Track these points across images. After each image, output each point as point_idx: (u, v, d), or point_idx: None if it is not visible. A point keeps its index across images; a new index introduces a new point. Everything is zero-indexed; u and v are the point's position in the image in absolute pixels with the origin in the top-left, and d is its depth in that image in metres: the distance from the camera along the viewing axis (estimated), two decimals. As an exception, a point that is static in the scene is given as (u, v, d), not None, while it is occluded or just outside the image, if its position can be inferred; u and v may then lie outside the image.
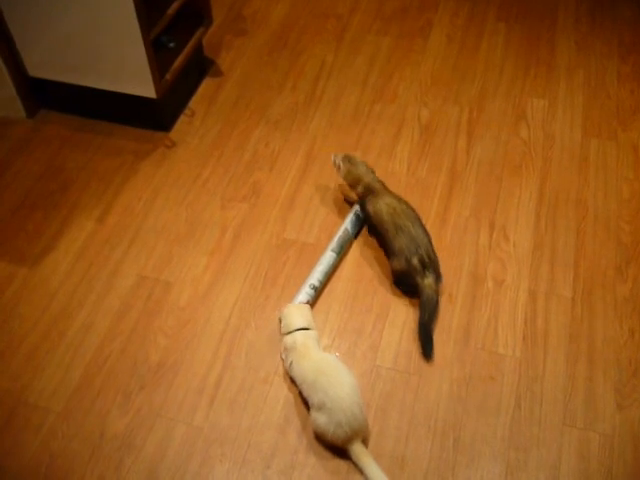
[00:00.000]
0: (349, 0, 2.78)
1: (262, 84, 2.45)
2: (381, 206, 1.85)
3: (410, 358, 1.72)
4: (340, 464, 1.54)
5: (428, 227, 1.98)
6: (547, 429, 1.60)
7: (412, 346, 1.74)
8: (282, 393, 1.66)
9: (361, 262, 1.92)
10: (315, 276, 1.83)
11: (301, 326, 1.67)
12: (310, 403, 1.58)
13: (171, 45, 2.15)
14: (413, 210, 1.86)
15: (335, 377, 1.56)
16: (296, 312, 1.70)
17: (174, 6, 2.14)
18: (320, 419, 1.53)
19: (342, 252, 1.91)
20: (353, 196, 1.99)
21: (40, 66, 2.19)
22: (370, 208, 1.89)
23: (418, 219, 1.84)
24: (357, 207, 1.97)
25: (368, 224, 1.97)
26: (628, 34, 2.62)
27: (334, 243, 1.90)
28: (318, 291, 1.83)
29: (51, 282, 1.89)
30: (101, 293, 1.86)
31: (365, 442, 1.56)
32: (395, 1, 2.78)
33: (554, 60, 2.52)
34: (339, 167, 1.97)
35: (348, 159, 1.96)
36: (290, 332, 1.67)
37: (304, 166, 2.17)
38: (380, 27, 2.66)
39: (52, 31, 2.05)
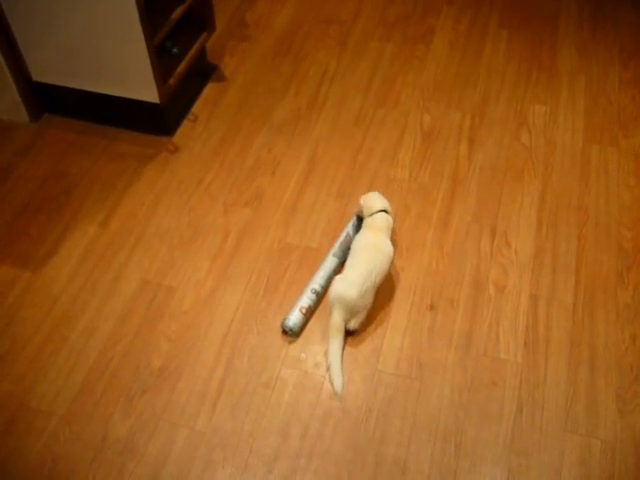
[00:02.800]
0: (352, 6, 2.79)
1: (265, 89, 2.46)
2: None
3: (412, 363, 1.73)
4: (342, 469, 1.55)
5: (430, 233, 1.99)
6: (549, 435, 1.60)
7: (414, 351, 1.75)
8: (284, 398, 1.67)
9: (363, 267, 1.93)
10: (317, 281, 1.84)
11: (381, 208, 1.86)
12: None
13: (174, 50, 2.16)
14: None
15: (368, 261, 1.75)
16: (377, 197, 1.90)
17: (178, 12, 2.15)
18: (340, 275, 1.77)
19: (344, 257, 1.91)
20: None
21: (44, 71, 2.20)
22: None
23: None
24: (359, 212, 1.98)
25: None
26: (629, 40, 2.63)
27: (336, 248, 1.90)
28: (320, 296, 1.83)
29: (54, 286, 1.89)
30: (104, 297, 1.87)
31: (351, 334, 1.75)
32: (398, 7, 2.79)
33: (556, 66, 2.53)
34: None
35: None
36: (372, 214, 1.85)
37: (307, 171, 2.18)
38: (383, 33, 2.67)
39: (56, 36, 2.06)
